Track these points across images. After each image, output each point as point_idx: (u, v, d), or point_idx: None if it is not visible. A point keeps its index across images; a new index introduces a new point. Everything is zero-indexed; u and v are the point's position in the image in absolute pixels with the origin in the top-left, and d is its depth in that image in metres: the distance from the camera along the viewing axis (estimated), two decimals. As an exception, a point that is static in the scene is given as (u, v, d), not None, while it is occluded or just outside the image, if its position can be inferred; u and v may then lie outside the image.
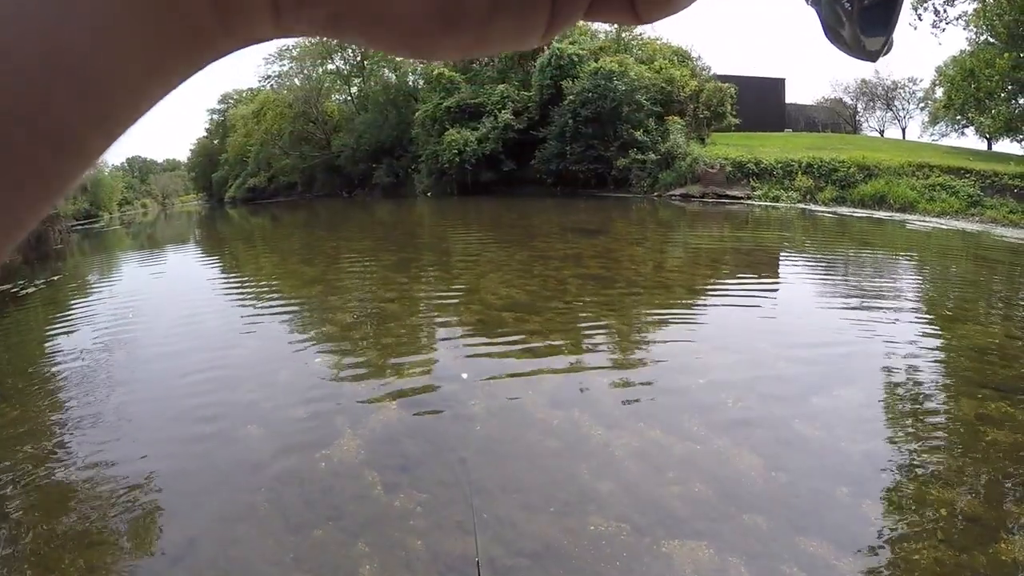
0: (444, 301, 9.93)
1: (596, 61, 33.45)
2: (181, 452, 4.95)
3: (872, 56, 0.35)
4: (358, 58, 55.22)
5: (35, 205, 0.20)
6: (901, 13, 0.34)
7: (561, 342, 7.10)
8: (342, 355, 7.14)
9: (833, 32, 0.35)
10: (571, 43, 36.60)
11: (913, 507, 3.88)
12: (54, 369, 7.63)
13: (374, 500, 4.07)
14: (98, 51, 0.19)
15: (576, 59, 34.74)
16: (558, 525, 3.71)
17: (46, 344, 9.04)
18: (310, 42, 55.42)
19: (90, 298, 13.45)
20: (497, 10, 0.24)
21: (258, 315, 9.74)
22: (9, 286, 15.47)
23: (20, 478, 4.80)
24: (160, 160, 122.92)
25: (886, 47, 0.35)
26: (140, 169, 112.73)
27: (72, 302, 13.19)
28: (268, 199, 62.20)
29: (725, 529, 3.65)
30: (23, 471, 4.91)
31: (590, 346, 7.06)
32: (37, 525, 4.10)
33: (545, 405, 5.32)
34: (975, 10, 27.46)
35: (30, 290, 14.80)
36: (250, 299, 11.18)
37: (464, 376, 4.96)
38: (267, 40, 0.24)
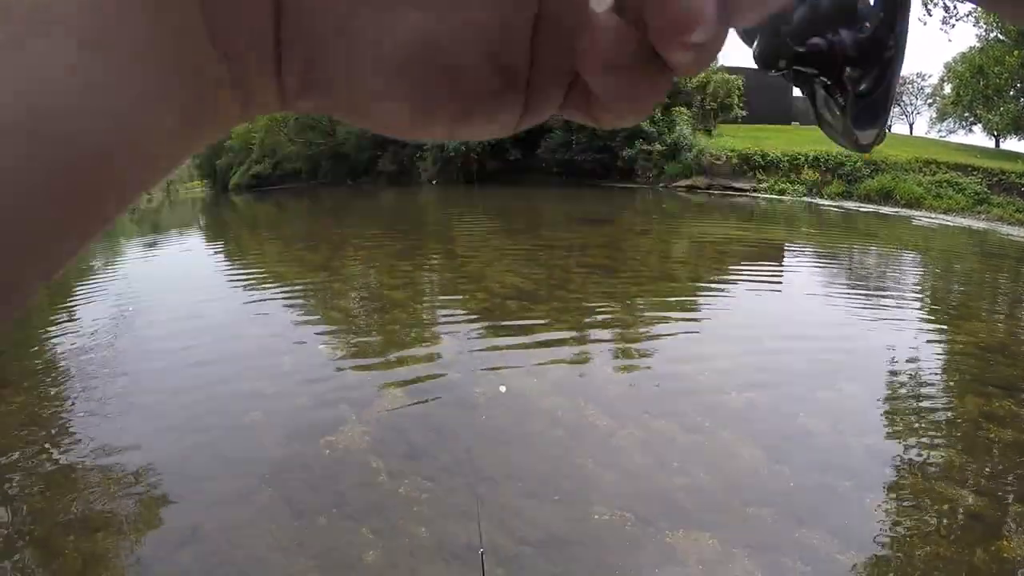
0: (449, 289, 9.93)
1: (604, 51, 33.33)
2: (185, 439, 4.96)
3: (864, 148, 0.35)
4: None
5: (49, 269, 0.22)
6: (893, 105, 0.34)
7: (566, 331, 7.10)
8: (347, 342, 7.15)
9: (823, 121, 0.35)
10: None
11: (915, 502, 3.89)
12: (58, 355, 7.63)
13: (379, 487, 4.08)
14: (136, 139, 0.22)
15: (584, 48, 34.64)
16: (562, 514, 3.72)
17: (49, 330, 9.05)
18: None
19: (94, 284, 13.45)
20: (468, 115, 0.26)
21: (263, 302, 9.74)
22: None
23: (24, 464, 4.81)
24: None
25: (878, 138, 0.35)
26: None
27: (76, 288, 13.20)
28: (273, 186, 62.10)
29: (729, 521, 3.66)
30: (27, 457, 4.92)
31: (595, 336, 7.06)
32: (41, 511, 4.12)
33: (550, 394, 5.33)
34: (985, 6, 27.31)
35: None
36: (255, 286, 11.18)
37: (502, 389, 4.91)
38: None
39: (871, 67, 0.33)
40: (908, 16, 0.33)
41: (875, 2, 0.33)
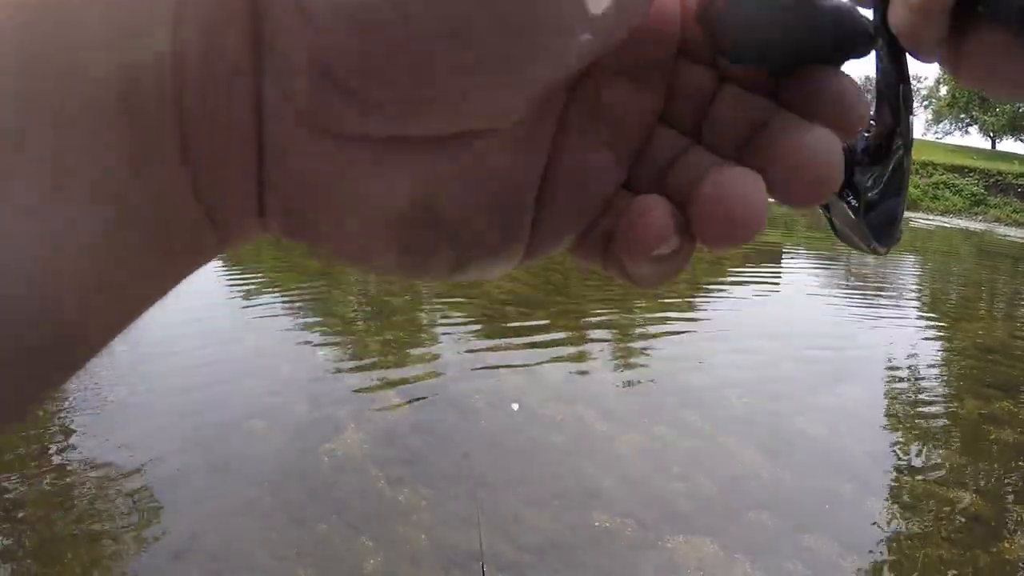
0: (447, 295, 9.92)
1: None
2: (182, 446, 4.93)
3: (881, 251, 0.35)
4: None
5: (38, 395, 0.23)
6: (905, 209, 0.34)
7: (565, 337, 7.10)
8: (345, 349, 7.14)
9: (837, 228, 0.35)
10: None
11: (916, 505, 3.90)
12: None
13: (378, 494, 4.07)
14: (118, 290, 0.23)
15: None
16: (562, 520, 3.71)
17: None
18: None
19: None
20: (463, 265, 0.26)
21: (261, 308, 9.72)
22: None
23: (20, 469, 4.79)
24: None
25: (896, 239, 0.34)
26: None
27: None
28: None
29: (729, 526, 3.65)
30: (23, 463, 4.90)
31: (593, 341, 7.05)
32: (38, 519, 4.10)
33: (549, 400, 5.31)
34: (982, 7, 27.60)
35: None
36: (253, 292, 11.15)
37: (515, 407, 4.89)
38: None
39: (880, 167, 0.32)
40: (912, 110, 0.32)
41: (878, 99, 0.32)
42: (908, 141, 0.32)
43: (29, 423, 5.86)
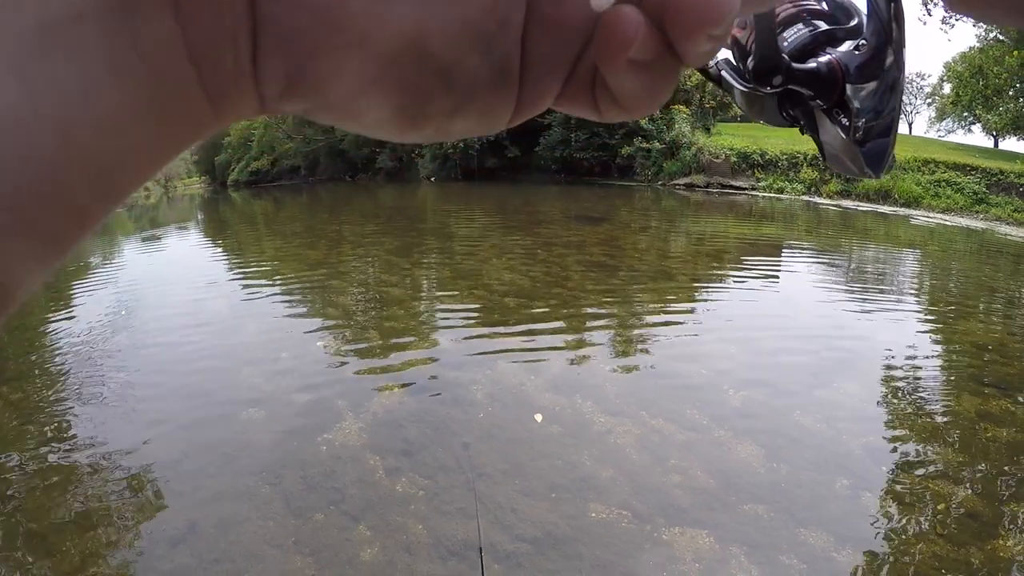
0: (447, 286, 9.93)
1: (603, 48, 33.28)
2: (182, 435, 4.96)
3: (874, 174, 0.34)
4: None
5: (39, 268, 0.22)
6: (897, 135, 0.33)
7: (564, 329, 7.11)
8: (344, 339, 7.15)
9: (827, 150, 0.34)
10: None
11: (912, 501, 3.90)
12: (55, 352, 7.63)
13: (376, 484, 4.08)
14: (108, 147, 0.21)
15: (583, 45, 34.62)
16: (559, 511, 3.73)
17: (47, 327, 9.04)
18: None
19: (91, 281, 13.44)
20: (459, 111, 0.26)
21: (260, 298, 9.74)
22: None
23: (21, 460, 4.81)
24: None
25: (888, 162, 0.34)
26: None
27: (73, 284, 13.19)
28: (271, 183, 62.14)
29: (725, 518, 3.66)
30: (24, 454, 4.93)
31: (593, 333, 7.07)
32: (38, 508, 4.12)
33: (547, 391, 5.33)
34: (985, 7, 27.46)
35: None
36: (252, 282, 11.17)
37: (538, 418, 4.80)
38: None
39: (873, 84, 0.32)
40: (905, 28, 0.31)
41: (869, 15, 0.31)
42: (901, 57, 0.31)
43: (28, 405, 5.89)
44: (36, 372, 6.95)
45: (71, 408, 5.79)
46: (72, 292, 12.25)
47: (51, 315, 9.93)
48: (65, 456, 4.81)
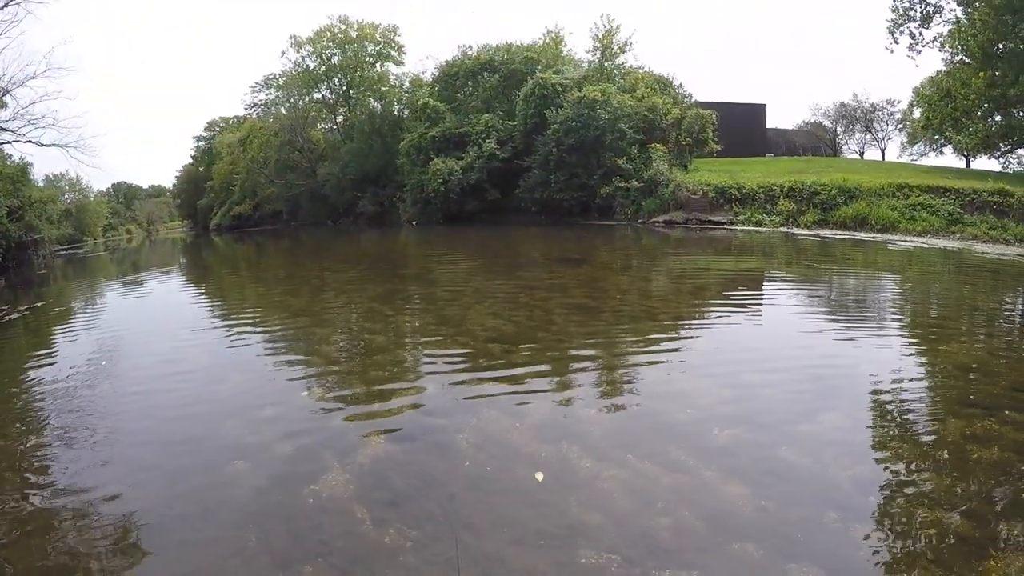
0: (431, 333, 9.93)
1: (579, 90, 33.76)
2: (166, 487, 4.91)
3: None
4: (344, 87, 55.52)
5: None
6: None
7: (548, 373, 7.12)
8: (328, 388, 7.12)
9: None
10: (554, 72, 36.99)
11: (902, 529, 3.91)
12: (37, 398, 7.57)
13: (363, 536, 4.05)
14: None
15: (560, 88, 35.13)
16: (548, 558, 3.70)
17: (29, 373, 8.96)
18: (297, 71, 55.78)
19: (73, 326, 13.36)
20: None
21: (244, 346, 9.69)
22: (-8, 311, 15.39)
23: (3, 507, 4.76)
24: (145, 186, 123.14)
25: None
26: (125, 195, 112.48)
27: (55, 330, 13.09)
28: (253, 227, 62.22)
29: (714, 559, 3.66)
30: (5, 501, 4.86)
31: (577, 376, 7.08)
32: (20, 555, 4.07)
33: (533, 438, 5.32)
34: (950, 31, 28.05)
35: (13, 316, 14.73)
36: (235, 331, 11.12)
37: (539, 477, 4.67)
38: None
39: None
40: None
41: None
42: None
43: (9, 451, 5.82)
44: (18, 417, 6.88)
45: (53, 454, 5.74)
46: (54, 337, 12.19)
47: (32, 360, 9.87)
48: (46, 505, 4.75)
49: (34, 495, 4.98)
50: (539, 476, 4.31)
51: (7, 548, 4.18)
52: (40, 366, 9.29)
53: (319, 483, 4.73)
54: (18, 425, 6.65)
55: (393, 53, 55.04)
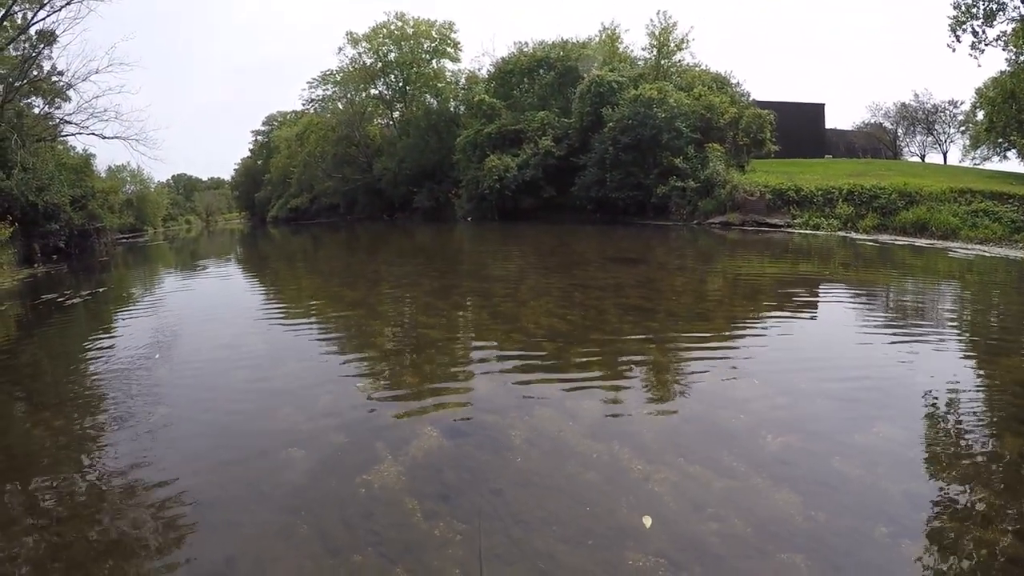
0: (484, 329, 9.98)
1: (636, 88, 33.53)
2: (221, 471, 5.06)
3: None
4: (400, 84, 56.00)
5: None
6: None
7: (601, 373, 7.13)
8: (383, 380, 7.24)
9: None
10: (611, 70, 36.77)
11: (953, 548, 3.83)
12: (97, 380, 7.84)
13: (414, 527, 4.12)
14: None
15: (616, 86, 34.92)
16: (595, 558, 3.73)
17: (89, 355, 9.27)
18: (354, 67, 56.44)
19: (133, 312, 13.78)
20: None
21: (299, 337, 9.89)
22: (55, 295, 15.93)
23: (61, 486, 4.96)
24: (205, 178, 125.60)
25: None
26: (185, 186, 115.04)
27: (116, 315, 13.53)
28: (310, 220, 63.21)
29: (762, 568, 3.64)
30: (64, 479, 5.07)
31: (630, 378, 7.07)
32: (75, 534, 4.22)
33: (585, 437, 5.35)
34: (1014, 30, 27.08)
35: (75, 300, 15.24)
36: (292, 320, 11.35)
37: (647, 522, 4.45)
38: None
39: None
40: None
41: None
42: None
43: (69, 432, 6.05)
44: (78, 400, 7.14)
45: (110, 436, 5.95)
46: (114, 321, 12.57)
47: (93, 343, 10.18)
48: (103, 485, 4.94)
49: (90, 474, 5.18)
50: (647, 521, 4.17)
51: (61, 524, 4.36)
52: (100, 350, 9.60)
53: (371, 473, 4.82)
54: (77, 406, 6.90)
55: (449, 50, 55.43)
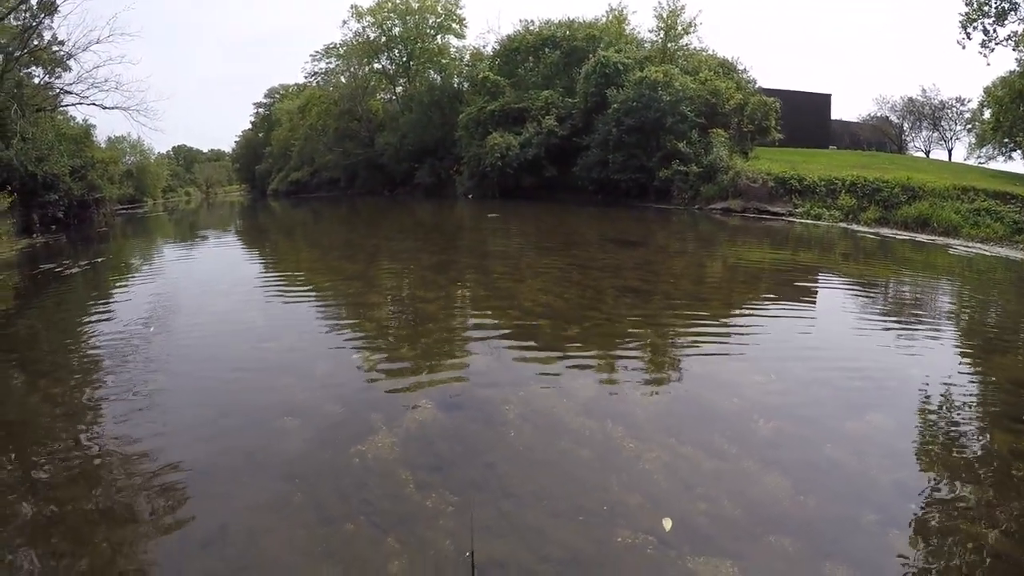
0: (482, 305, 9.99)
1: (642, 70, 33.27)
2: (216, 440, 5.08)
3: None
4: (404, 59, 55.59)
5: None
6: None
7: (597, 352, 7.16)
8: (380, 353, 7.26)
9: None
10: (616, 51, 36.52)
11: (940, 539, 3.86)
12: (94, 350, 7.84)
13: (406, 498, 4.15)
14: None
15: (622, 68, 34.66)
16: (585, 534, 3.76)
17: (87, 324, 9.27)
18: (357, 41, 55.98)
19: (131, 282, 13.75)
20: None
21: (298, 308, 9.90)
22: (54, 265, 15.91)
23: (57, 453, 4.98)
24: (205, 150, 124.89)
25: None
26: (185, 158, 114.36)
27: (114, 284, 13.51)
28: (310, 193, 62.98)
29: (750, 549, 3.67)
30: (60, 447, 5.09)
31: (625, 358, 7.10)
32: (71, 501, 4.24)
33: (578, 414, 5.37)
34: (1024, 31, 26.86)
35: (74, 270, 15.22)
36: (290, 292, 11.36)
37: (667, 524, 4.40)
38: None
39: None
40: None
41: None
42: None
43: (65, 400, 6.06)
44: (75, 368, 7.15)
45: (107, 404, 5.96)
46: (112, 291, 12.56)
47: (91, 313, 10.18)
48: (99, 452, 4.95)
49: (86, 441, 5.19)
50: (667, 524, 4.12)
51: (57, 490, 4.38)
52: (98, 319, 9.59)
53: (366, 444, 4.84)
54: (77, 373, 6.91)
55: (454, 25, 54.92)
